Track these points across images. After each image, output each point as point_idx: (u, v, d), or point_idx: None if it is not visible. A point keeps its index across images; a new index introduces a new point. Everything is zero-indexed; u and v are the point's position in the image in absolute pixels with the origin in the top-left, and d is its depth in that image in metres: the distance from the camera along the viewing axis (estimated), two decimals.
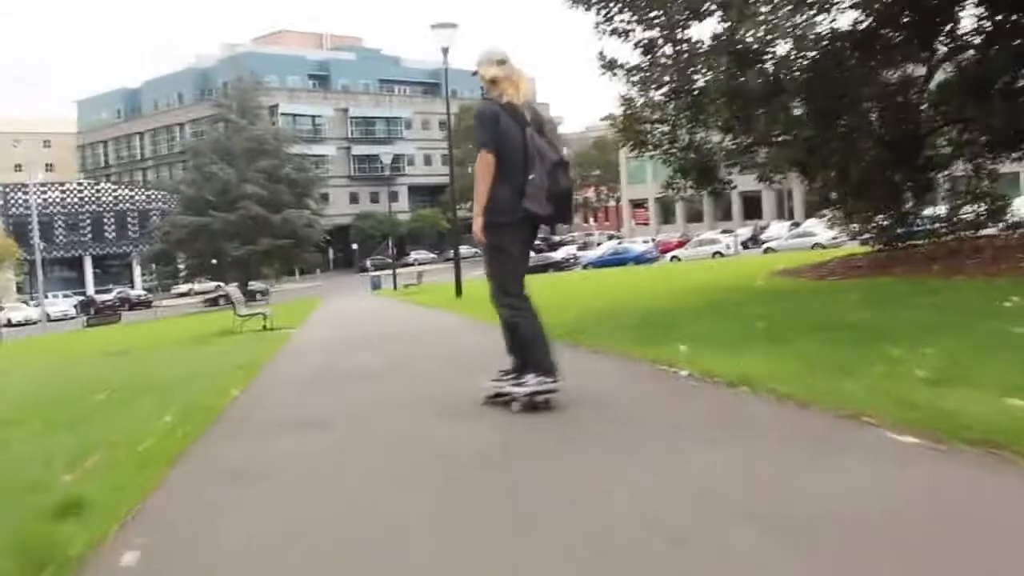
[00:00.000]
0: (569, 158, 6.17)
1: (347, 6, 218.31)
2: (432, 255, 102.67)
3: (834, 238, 54.40)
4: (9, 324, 67.59)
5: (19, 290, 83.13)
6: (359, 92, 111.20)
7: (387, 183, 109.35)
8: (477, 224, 5.81)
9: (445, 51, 25.14)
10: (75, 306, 75.38)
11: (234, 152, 57.05)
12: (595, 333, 10.30)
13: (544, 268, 63.11)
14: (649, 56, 15.35)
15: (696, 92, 15.13)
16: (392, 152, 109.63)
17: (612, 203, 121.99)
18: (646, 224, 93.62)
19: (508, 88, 5.88)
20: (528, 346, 5.90)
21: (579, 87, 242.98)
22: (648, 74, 15.25)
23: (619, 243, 73.19)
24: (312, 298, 51.76)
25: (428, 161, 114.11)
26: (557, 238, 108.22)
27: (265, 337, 16.89)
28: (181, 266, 60.49)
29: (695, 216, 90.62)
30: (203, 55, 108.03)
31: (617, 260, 59.25)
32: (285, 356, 12.60)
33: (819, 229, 57.09)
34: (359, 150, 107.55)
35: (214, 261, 61.77)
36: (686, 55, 14.71)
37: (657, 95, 15.65)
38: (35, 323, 67.30)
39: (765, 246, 56.58)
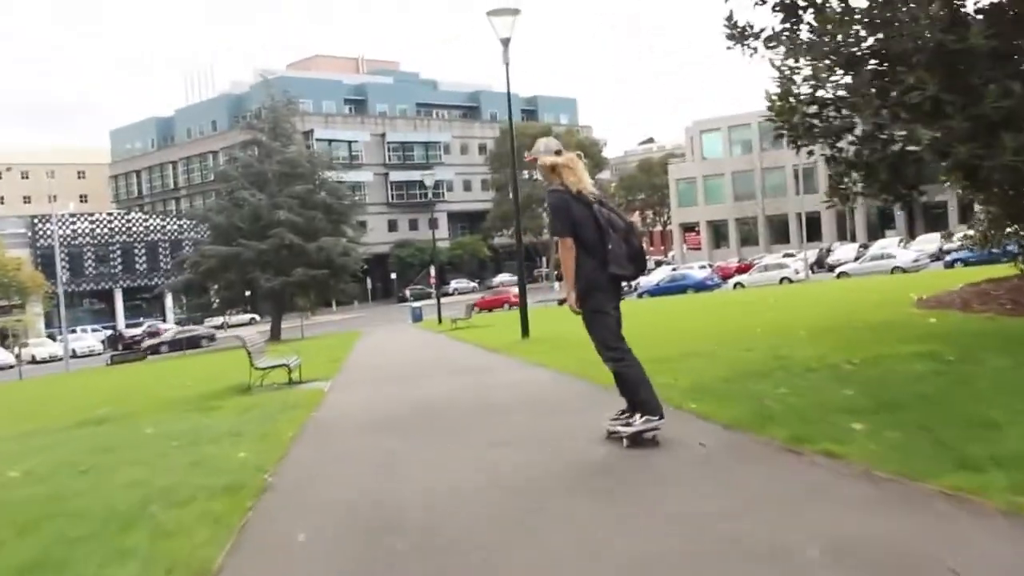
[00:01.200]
0: (633, 222, 7.16)
1: (384, 30, 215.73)
2: (472, 284, 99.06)
3: (915, 260, 50.47)
4: (33, 361, 64.66)
5: (48, 324, 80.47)
6: (396, 117, 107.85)
7: (426, 209, 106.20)
8: (571, 299, 6.82)
9: (506, 42, 21.66)
10: (102, 341, 72.19)
11: (266, 177, 53.56)
12: (786, 416, 6.72)
13: None
14: (796, 18, 11.36)
15: (882, 59, 11.01)
16: (432, 177, 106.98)
17: (659, 227, 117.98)
18: (698, 248, 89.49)
19: (569, 176, 6.78)
20: (635, 390, 6.75)
21: (621, 110, 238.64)
22: (810, 39, 11.16)
23: (674, 269, 68.95)
24: (349, 333, 48.08)
25: (467, 187, 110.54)
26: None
27: (288, 399, 13.02)
28: (215, 298, 57.14)
29: (749, 239, 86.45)
30: (237, 82, 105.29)
31: (676, 287, 55.34)
32: (311, 444, 8.69)
33: (896, 251, 53.02)
34: (397, 176, 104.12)
35: (248, 293, 58.21)
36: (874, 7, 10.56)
37: (826, 66, 11.43)
38: (60, 359, 64.28)
39: (838, 270, 52.36)
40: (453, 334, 30.23)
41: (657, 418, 6.60)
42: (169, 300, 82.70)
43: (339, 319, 77.09)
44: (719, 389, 8.67)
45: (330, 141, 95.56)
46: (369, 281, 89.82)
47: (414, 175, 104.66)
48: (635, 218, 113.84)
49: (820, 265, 60.39)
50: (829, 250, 66.66)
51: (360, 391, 13.66)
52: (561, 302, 60.02)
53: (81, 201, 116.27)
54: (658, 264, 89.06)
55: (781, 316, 19.84)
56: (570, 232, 6.62)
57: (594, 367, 8.99)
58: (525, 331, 21.59)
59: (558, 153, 6.85)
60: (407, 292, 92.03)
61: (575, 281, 6.69)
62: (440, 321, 43.34)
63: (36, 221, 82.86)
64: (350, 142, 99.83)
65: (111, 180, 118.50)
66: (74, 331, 79.07)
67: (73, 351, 66.14)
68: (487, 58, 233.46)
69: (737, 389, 8.47)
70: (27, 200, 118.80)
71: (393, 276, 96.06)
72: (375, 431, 9.14)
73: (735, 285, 54.53)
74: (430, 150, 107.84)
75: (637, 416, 6.64)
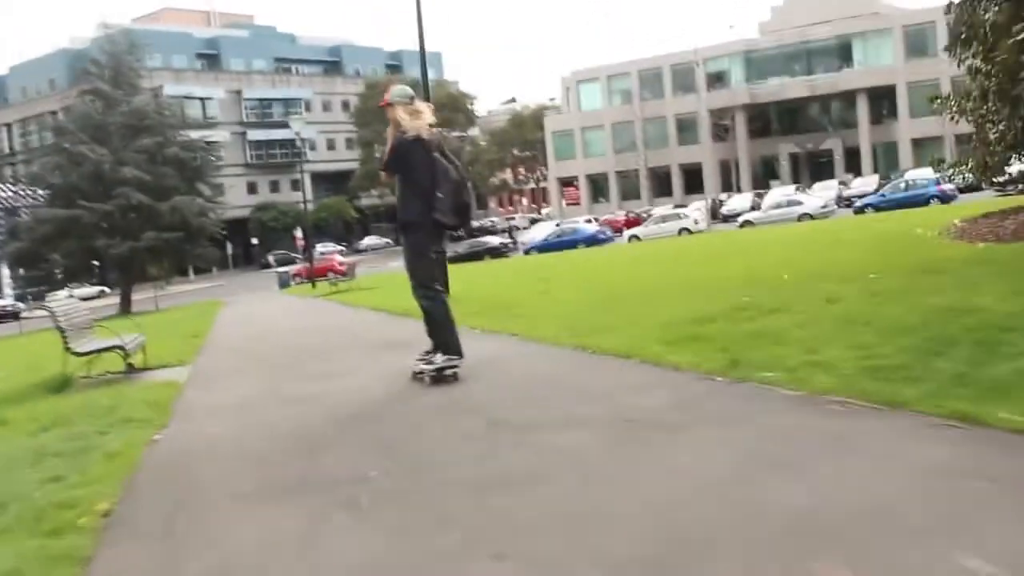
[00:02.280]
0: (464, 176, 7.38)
1: None
2: (339, 247, 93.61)
3: (824, 207, 47.64)
4: None
5: None
6: (253, 72, 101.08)
7: (288, 170, 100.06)
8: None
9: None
10: None
11: (108, 130, 47.35)
12: None
13: (479, 255, 55.06)
14: None
15: None
16: (301, 120, 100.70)
17: (531, 184, 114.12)
18: (577, 203, 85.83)
19: (415, 120, 7.14)
20: (440, 330, 7.28)
21: (485, 69, 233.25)
22: None
23: (557, 223, 65.04)
24: (210, 303, 42.68)
25: (331, 146, 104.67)
26: (475, 224, 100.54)
27: (121, 402, 8.27)
28: (56, 269, 50.86)
29: (631, 193, 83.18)
30: (77, 37, 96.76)
31: (566, 243, 51.37)
32: (147, 530, 4.12)
33: (803, 197, 50.24)
34: (255, 135, 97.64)
35: (96, 262, 51.97)
36: None
37: None
38: None
39: (742, 219, 49.16)
40: (338, 298, 25.55)
41: (458, 357, 7.21)
42: (5, 272, 75.10)
43: (197, 288, 70.95)
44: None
45: (182, 98, 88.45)
46: (229, 247, 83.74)
47: (273, 134, 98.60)
48: (507, 174, 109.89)
49: (714, 216, 57.18)
50: (720, 201, 63.61)
51: (235, 385, 9.07)
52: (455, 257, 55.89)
53: None
54: (534, 221, 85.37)
55: (771, 261, 15.95)
56: (392, 169, 7.38)
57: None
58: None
59: (410, 100, 7.25)
60: (270, 257, 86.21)
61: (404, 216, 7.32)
62: (314, 285, 38.43)
63: None
64: (203, 99, 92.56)
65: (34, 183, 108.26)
66: None
67: None
68: (347, 10, 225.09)
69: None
70: None
71: (254, 241, 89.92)
72: (279, 488, 4.63)
73: (630, 238, 50.87)
74: (290, 107, 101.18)
75: (439, 355, 7.20)
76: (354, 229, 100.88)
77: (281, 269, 53.87)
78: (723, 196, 68.06)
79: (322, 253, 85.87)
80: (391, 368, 8.34)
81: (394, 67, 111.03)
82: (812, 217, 44.88)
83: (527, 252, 53.43)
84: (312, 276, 54.26)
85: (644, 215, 62.35)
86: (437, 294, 7.33)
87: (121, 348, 9.96)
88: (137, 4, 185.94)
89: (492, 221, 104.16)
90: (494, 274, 28.09)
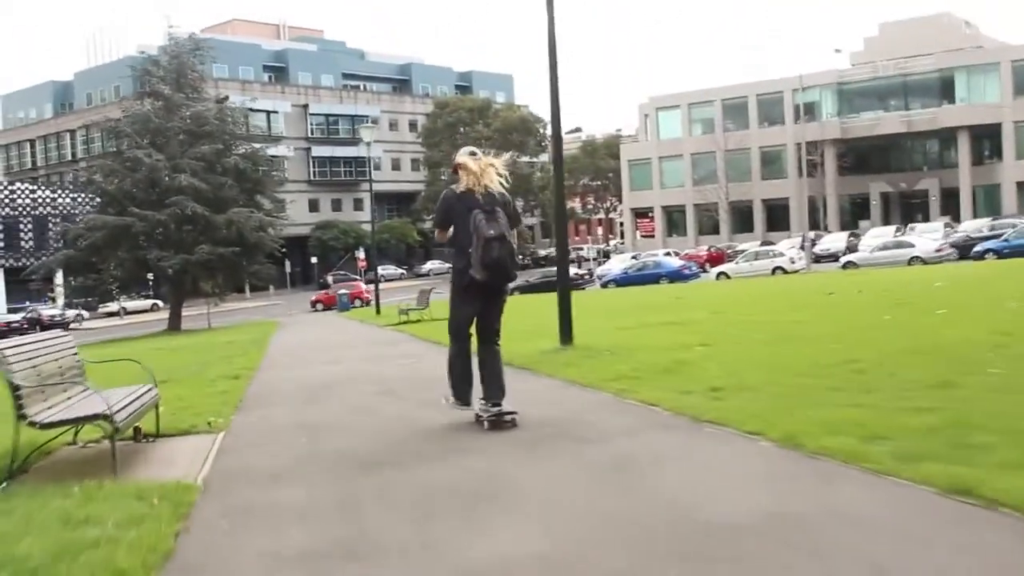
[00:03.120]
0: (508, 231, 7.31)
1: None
2: (400, 270, 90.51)
3: (938, 251, 43.19)
4: None
5: None
6: (320, 87, 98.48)
7: (351, 189, 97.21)
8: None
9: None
10: None
11: (167, 135, 44.42)
12: None
13: (552, 286, 51.04)
14: None
15: None
16: (372, 130, 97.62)
17: (601, 214, 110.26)
18: (651, 236, 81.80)
19: (464, 177, 7.40)
20: (451, 376, 7.66)
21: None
22: None
23: (634, 256, 61.18)
24: (265, 324, 39.35)
25: (396, 166, 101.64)
26: (543, 253, 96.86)
27: (67, 552, 4.51)
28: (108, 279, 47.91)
29: (709, 227, 78.98)
30: (145, 45, 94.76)
31: (648, 276, 47.51)
32: None
33: (914, 239, 45.79)
34: (320, 151, 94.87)
35: (150, 275, 48.97)
36: None
37: None
38: None
39: (844, 260, 44.90)
40: (410, 329, 21.88)
41: (465, 406, 7.61)
42: (60, 281, 72.56)
43: (252, 307, 67.97)
44: None
45: (247, 111, 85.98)
46: (287, 265, 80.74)
47: (338, 151, 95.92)
48: (576, 204, 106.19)
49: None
50: (813, 240, 59.37)
51: (288, 496, 5.36)
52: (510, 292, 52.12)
53: None
54: (605, 254, 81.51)
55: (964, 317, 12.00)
56: (440, 226, 7.63)
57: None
58: (567, 333, 13.29)
59: (472, 154, 7.56)
60: (329, 278, 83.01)
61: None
62: (378, 311, 34.84)
63: None
64: (269, 112, 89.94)
65: (1, 150, 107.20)
66: None
67: None
68: (418, 28, 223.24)
69: None
70: None
71: (314, 260, 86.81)
72: None
73: (718, 275, 46.83)
74: (357, 124, 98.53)
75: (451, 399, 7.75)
76: (416, 252, 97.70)
77: (342, 291, 50.46)
78: (814, 234, 63.80)
79: (428, 272, 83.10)
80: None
81: (463, 87, 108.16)
82: (924, 261, 40.49)
83: (605, 285, 49.63)
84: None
85: (728, 251, 58.29)
86: (460, 348, 7.64)
87: (107, 418, 6.20)
88: (206, 15, 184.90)
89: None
90: (589, 310, 24.30)
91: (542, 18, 13.38)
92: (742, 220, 76.95)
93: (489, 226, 7.14)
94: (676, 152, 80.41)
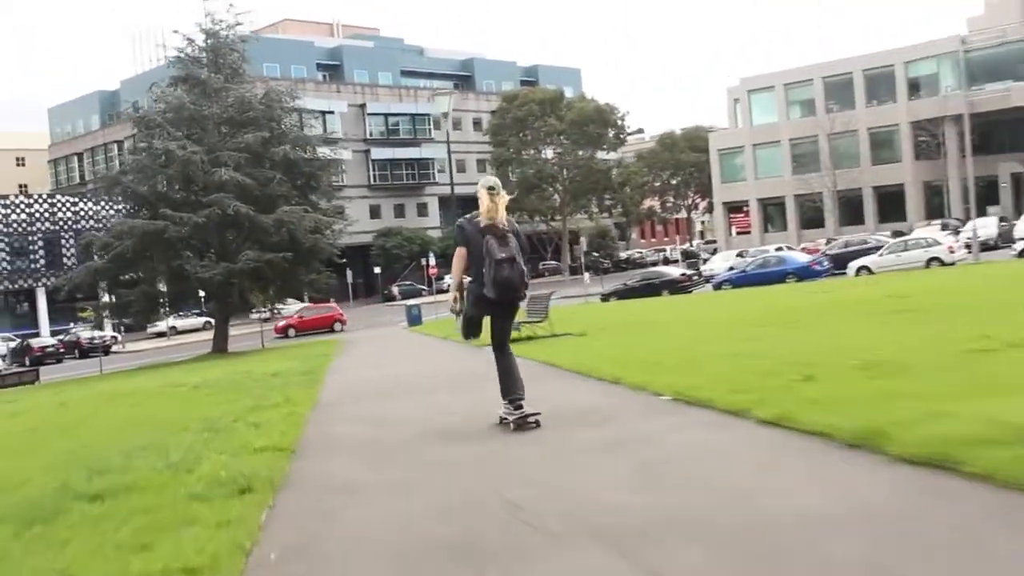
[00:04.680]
0: (517, 251, 8.18)
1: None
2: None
3: None
4: None
5: None
6: (378, 85, 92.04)
7: (414, 192, 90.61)
8: (451, 297, 8.60)
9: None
10: (2, 356, 56.13)
11: (205, 123, 37.97)
12: None
13: (656, 289, 43.94)
14: None
15: None
16: (421, 154, 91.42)
17: (682, 213, 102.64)
18: (747, 231, 74.01)
19: (486, 207, 8.15)
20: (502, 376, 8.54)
21: (623, 88, 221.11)
22: None
23: (739, 253, 53.76)
24: (322, 344, 32.60)
25: (461, 167, 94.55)
26: (625, 255, 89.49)
27: None
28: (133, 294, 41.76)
29: (813, 220, 70.97)
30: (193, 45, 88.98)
31: (771, 275, 40.17)
32: None
33: None
34: (379, 153, 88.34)
35: (201, 293, 42.41)
36: None
37: None
38: None
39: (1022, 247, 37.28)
40: (532, 353, 14.84)
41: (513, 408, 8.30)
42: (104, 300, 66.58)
43: None
44: None
45: (300, 111, 79.67)
46: (349, 275, 74.16)
47: (399, 153, 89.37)
48: (654, 203, 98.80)
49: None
50: (956, 226, 51.47)
51: None
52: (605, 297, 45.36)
53: (21, 192, 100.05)
54: (689, 255, 74.17)
55: None
56: (462, 244, 8.26)
57: None
58: None
59: (491, 189, 8.23)
60: (394, 288, 76.42)
61: (458, 289, 8.48)
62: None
63: None
64: (324, 112, 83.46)
65: (50, 165, 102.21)
66: None
67: None
68: (476, 24, 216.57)
69: None
70: None
71: (377, 270, 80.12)
72: None
73: (858, 270, 39.30)
74: (417, 124, 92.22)
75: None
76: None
77: (410, 302, 43.57)
78: (957, 220, 55.81)
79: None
80: None
81: (529, 82, 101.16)
82: None
83: (719, 286, 42.32)
84: (310, 327, 44.94)
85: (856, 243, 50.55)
86: (465, 335, 8.80)
87: None
88: (256, 17, 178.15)
89: (640, 253, 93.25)
90: (730, 322, 17.21)
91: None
92: (850, 210, 68.86)
93: (500, 250, 8.02)
94: (772, 138, 72.49)
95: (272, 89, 40.25)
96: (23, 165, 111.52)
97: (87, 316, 44.70)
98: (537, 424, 8.05)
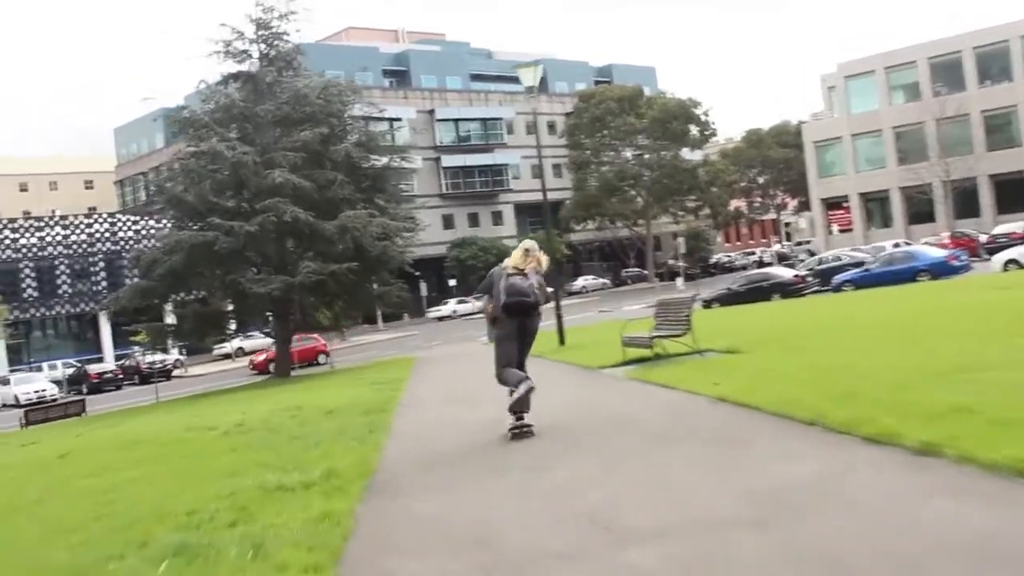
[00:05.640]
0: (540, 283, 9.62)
1: (424, 5, 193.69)
2: (547, 289, 78.67)
3: None
4: None
5: (16, 359, 61.58)
6: (447, 90, 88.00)
7: (488, 200, 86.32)
8: (489, 333, 10.13)
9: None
10: (57, 381, 52.80)
11: (258, 121, 34.04)
12: None
13: (765, 293, 38.82)
14: None
15: None
16: (494, 160, 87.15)
17: (771, 214, 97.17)
18: (849, 229, 68.40)
19: (515, 261, 9.61)
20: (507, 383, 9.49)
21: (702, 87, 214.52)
22: None
23: (852, 250, 48.49)
24: (395, 364, 28.30)
25: (537, 173, 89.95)
26: (714, 259, 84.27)
27: None
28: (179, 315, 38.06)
29: (922, 215, 65.18)
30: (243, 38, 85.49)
31: (900, 273, 35.08)
32: None
33: None
34: (450, 161, 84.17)
35: (269, 314, 38.35)
36: None
37: None
38: None
39: None
40: (698, 383, 10.30)
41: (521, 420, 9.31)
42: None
43: (385, 339, 57.29)
44: None
45: (367, 119, 75.80)
46: (423, 288, 70.05)
47: (471, 159, 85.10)
48: (740, 204, 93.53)
49: None
50: None
51: None
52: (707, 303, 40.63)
53: (89, 215, 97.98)
54: (781, 259, 69.01)
55: None
56: (482, 291, 9.99)
57: None
58: None
59: (527, 251, 9.78)
60: (471, 301, 71.96)
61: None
62: (562, 340, 23.19)
63: None
64: (392, 120, 79.43)
65: (116, 186, 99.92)
66: (37, 367, 60.59)
67: (16, 399, 47.32)
68: (546, 24, 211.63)
69: None
70: (27, 216, 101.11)
71: (452, 283, 75.92)
72: None
73: (1006, 264, 34.15)
74: (489, 129, 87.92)
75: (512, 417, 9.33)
76: (564, 267, 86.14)
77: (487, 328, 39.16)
78: None
79: (580, 288, 71.50)
80: None
81: (603, 83, 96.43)
82: None
83: (838, 288, 37.30)
84: (281, 362, 40.70)
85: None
86: (503, 374, 9.51)
87: None
88: (319, 29, 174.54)
89: (728, 256, 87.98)
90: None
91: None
92: (964, 202, 62.97)
93: (520, 280, 9.39)
94: (873, 127, 66.80)
95: (331, 82, 36.07)
96: (92, 188, 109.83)
97: (141, 339, 40.96)
98: (530, 433, 9.05)
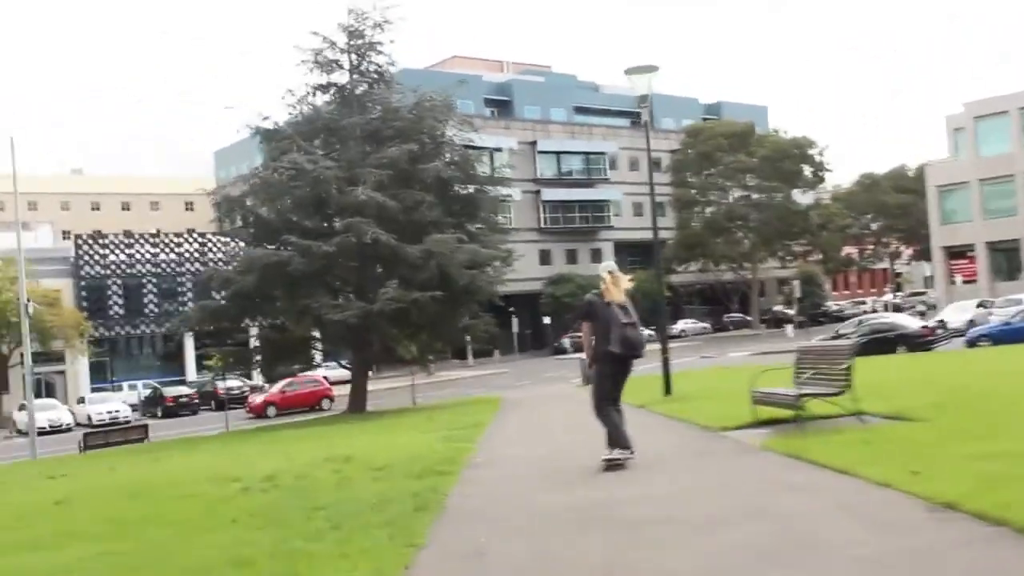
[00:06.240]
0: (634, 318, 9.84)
1: (530, 38, 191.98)
2: (647, 331, 75.21)
3: None
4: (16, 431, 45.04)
5: (101, 377, 60.38)
6: (549, 121, 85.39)
7: (587, 237, 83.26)
8: (589, 359, 10.38)
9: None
10: (133, 405, 51.14)
11: (344, 135, 31.66)
12: None
13: (890, 345, 34.79)
14: None
15: None
16: (596, 195, 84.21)
17: (884, 263, 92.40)
18: (973, 280, 63.71)
19: (605, 288, 9.88)
20: (610, 433, 9.74)
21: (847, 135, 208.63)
22: None
23: (980, 304, 44.51)
24: (478, 406, 25.37)
25: (638, 211, 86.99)
26: (830, 308, 79.83)
27: None
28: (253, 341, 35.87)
29: None
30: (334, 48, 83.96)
31: None
32: None
33: None
34: (551, 194, 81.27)
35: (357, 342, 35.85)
36: None
37: None
38: (64, 429, 43.99)
39: None
40: (896, 477, 7.01)
41: (628, 451, 9.69)
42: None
43: (471, 376, 54.51)
44: None
45: (467, 148, 73.49)
46: (515, 324, 67.15)
47: (572, 194, 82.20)
48: (851, 251, 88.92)
49: None
50: None
51: None
52: None
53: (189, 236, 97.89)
54: (895, 308, 64.77)
55: None
56: (584, 320, 10.15)
57: None
58: None
59: (610, 273, 10.05)
60: (565, 341, 68.88)
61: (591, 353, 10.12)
62: (668, 389, 20.01)
63: (81, 243, 62.70)
64: (492, 150, 76.84)
65: (214, 208, 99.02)
66: (118, 386, 59.19)
67: (90, 418, 45.70)
68: (654, 59, 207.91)
69: None
70: (128, 236, 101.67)
71: (546, 320, 72.86)
72: None
73: None
74: (591, 163, 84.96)
75: (615, 450, 9.67)
76: (663, 310, 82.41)
77: (584, 356, 36.19)
78: None
79: (680, 332, 68.14)
80: None
81: (712, 120, 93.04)
82: None
83: (973, 342, 33.43)
84: (296, 404, 37.45)
85: None
86: (607, 412, 9.81)
87: None
88: (426, 54, 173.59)
89: (838, 305, 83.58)
90: None
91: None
92: None
93: (624, 316, 9.68)
94: (1005, 172, 62.09)
95: (425, 96, 33.50)
96: (192, 210, 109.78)
97: (213, 364, 38.84)
98: (623, 466, 9.53)
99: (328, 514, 8.01)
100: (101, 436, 32.21)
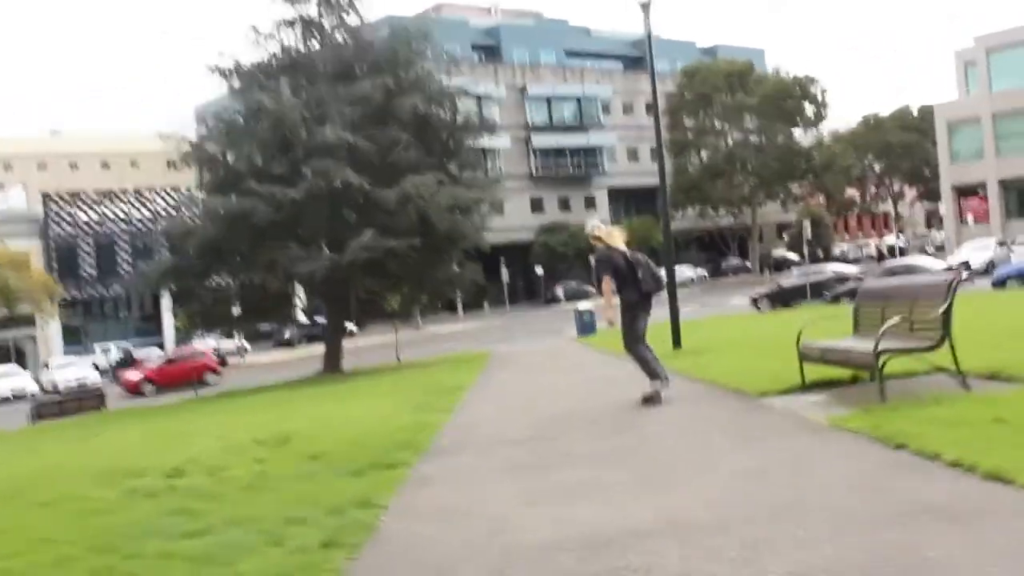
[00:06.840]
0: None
1: None
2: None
3: None
4: None
5: (73, 339, 57.65)
6: (539, 65, 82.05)
7: (580, 184, 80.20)
8: (608, 314, 10.39)
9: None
10: (99, 368, 48.33)
11: (312, 69, 28.69)
12: None
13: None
14: None
15: None
16: (588, 141, 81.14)
17: (888, 205, 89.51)
18: (984, 220, 60.87)
19: (610, 241, 10.20)
20: (646, 367, 10.01)
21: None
22: None
23: (1002, 242, 41.84)
24: (463, 364, 22.64)
25: (634, 156, 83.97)
26: (840, 251, 77.15)
27: None
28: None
29: None
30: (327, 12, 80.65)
31: None
32: None
33: None
34: (541, 141, 78.08)
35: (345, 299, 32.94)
36: None
37: None
38: (24, 397, 41.16)
39: None
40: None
41: (661, 381, 9.91)
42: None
43: (460, 330, 51.70)
44: None
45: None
46: (505, 274, 64.33)
47: (564, 140, 79.01)
48: (854, 192, 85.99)
49: None
50: None
51: None
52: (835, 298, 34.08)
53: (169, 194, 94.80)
54: (899, 251, 62.18)
55: None
56: (609, 273, 10.02)
57: None
58: None
59: (603, 228, 10.51)
60: (558, 290, 66.22)
61: (616, 301, 10.19)
62: (677, 341, 17.31)
63: (50, 202, 59.70)
64: (480, 97, 73.44)
65: (183, 160, 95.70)
66: (92, 349, 56.48)
67: (55, 385, 42.91)
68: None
69: None
70: (99, 194, 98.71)
71: (539, 271, 70.07)
72: None
73: None
74: (584, 107, 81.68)
75: (656, 381, 9.90)
76: (660, 257, 79.59)
77: (583, 307, 33.21)
78: None
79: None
80: None
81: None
82: None
83: (1000, 283, 30.90)
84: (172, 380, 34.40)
85: None
86: (639, 348, 10.09)
87: None
88: (414, 4, 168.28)
89: (842, 249, 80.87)
90: None
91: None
92: None
93: (653, 265, 10.18)
94: (1019, 106, 59.16)
95: (399, 27, 30.44)
96: (175, 168, 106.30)
97: (179, 324, 36.08)
98: (660, 400, 9.73)
99: (195, 550, 5.28)
100: (55, 406, 29.55)
